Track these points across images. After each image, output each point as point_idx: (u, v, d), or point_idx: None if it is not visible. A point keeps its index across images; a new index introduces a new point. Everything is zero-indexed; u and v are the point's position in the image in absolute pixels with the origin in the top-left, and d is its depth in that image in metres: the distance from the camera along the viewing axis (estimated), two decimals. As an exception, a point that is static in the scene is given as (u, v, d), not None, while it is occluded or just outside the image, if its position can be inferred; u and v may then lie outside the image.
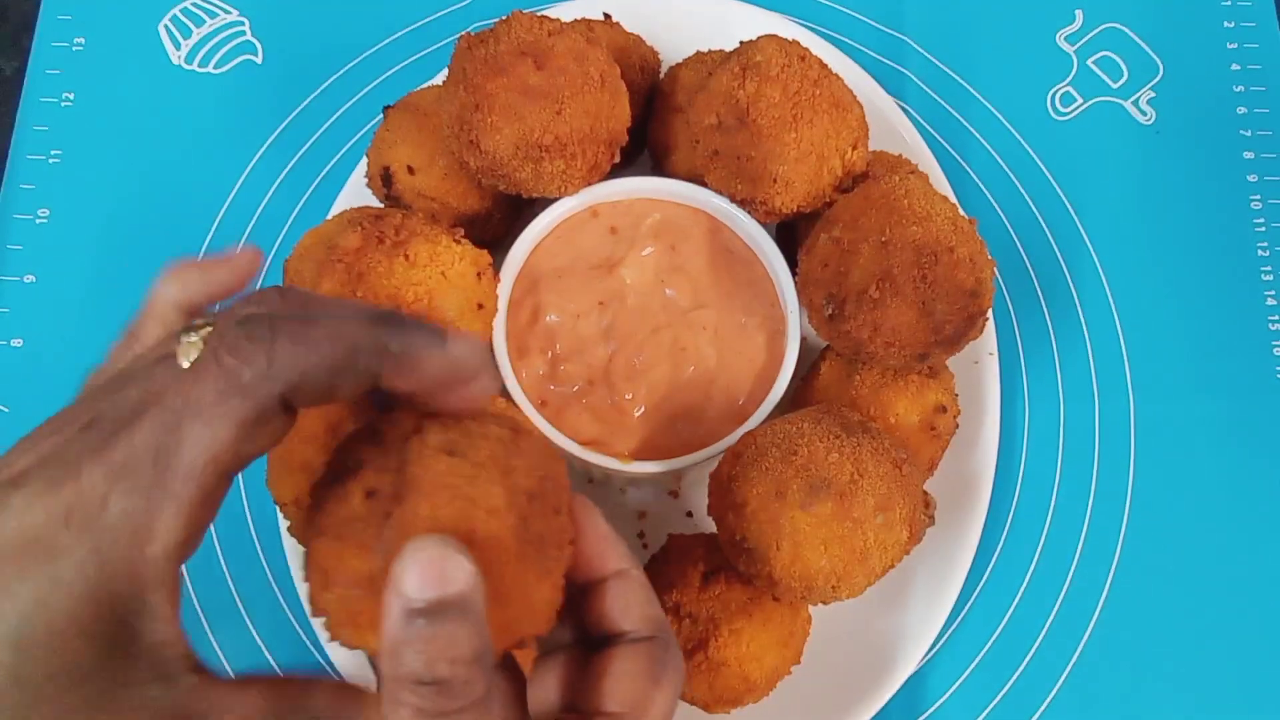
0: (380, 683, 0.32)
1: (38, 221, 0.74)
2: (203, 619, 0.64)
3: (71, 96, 0.77)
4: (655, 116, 0.68)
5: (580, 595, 0.37)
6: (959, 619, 0.65)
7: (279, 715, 0.32)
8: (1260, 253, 0.74)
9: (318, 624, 0.33)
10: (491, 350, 0.61)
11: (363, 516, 0.32)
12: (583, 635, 0.38)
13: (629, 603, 0.37)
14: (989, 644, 0.65)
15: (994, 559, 0.66)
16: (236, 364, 0.30)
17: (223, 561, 0.66)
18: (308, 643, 0.64)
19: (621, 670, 0.35)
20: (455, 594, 0.30)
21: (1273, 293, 0.73)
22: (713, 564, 0.56)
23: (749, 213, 0.64)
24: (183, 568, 0.31)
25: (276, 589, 0.65)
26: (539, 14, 0.59)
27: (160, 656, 0.31)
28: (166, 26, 0.79)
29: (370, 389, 0.33)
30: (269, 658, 0.64)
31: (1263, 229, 0.74)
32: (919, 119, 0.75)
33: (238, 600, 0.65)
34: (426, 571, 0.30)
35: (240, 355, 0.31)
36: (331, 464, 0.35)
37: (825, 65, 0.60)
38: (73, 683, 0.29)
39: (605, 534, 0.37)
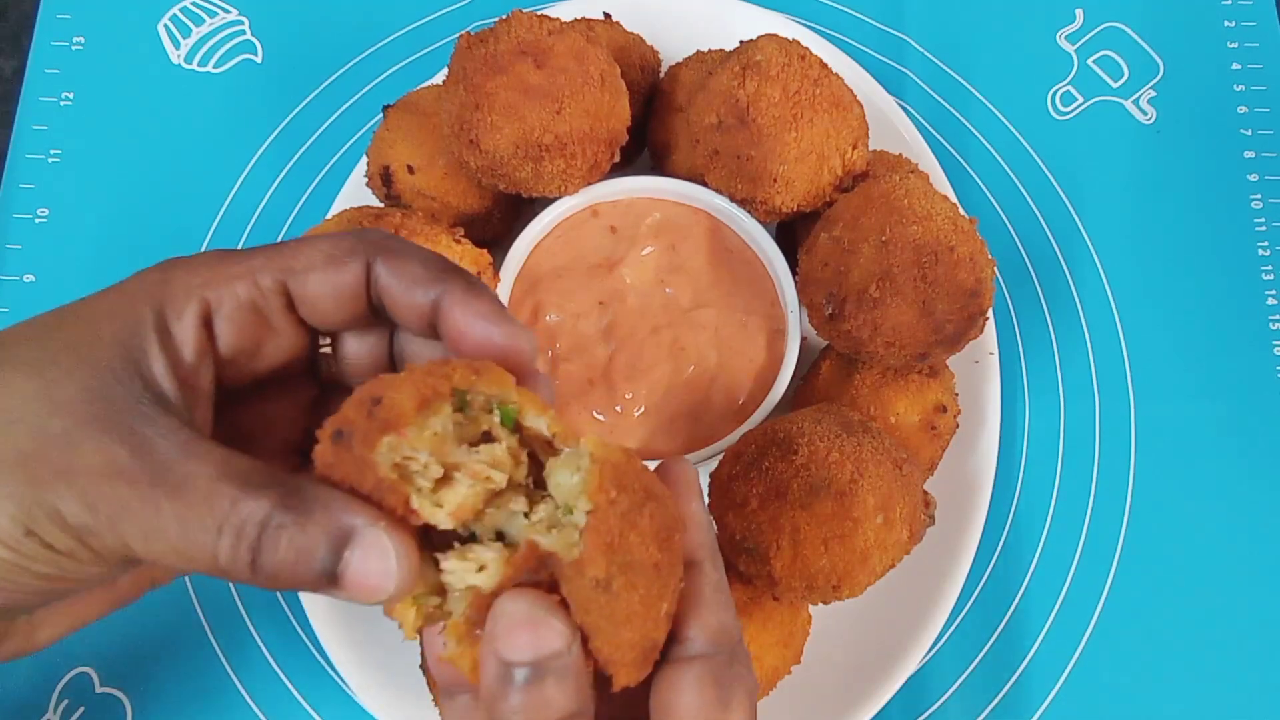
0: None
1: (37, 221, 0.73)
2: (205, 623, 0.64)
3: (71, 96, 0.77)
4: (655, 116, 0.68)
5: None
6: (959, 619, 0.65)
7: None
8: (1260, 252, 0.74)
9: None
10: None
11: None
12: None
13: (698, 604, 0.35)
14: (989, 644, 0.65)
15: (994, 559, 0.66)
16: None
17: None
18: (307, 642, 0.64)
19: (689, 703, 0.34)
20: (549, 654, 0.30)
21: (1273, 292, 0.73)
22: (713, 564, 0.56)
23: (749, 212, 0.64)
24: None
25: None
26: (539, 13, 0.59)
27: (162, 390, 0.34)
28: (166, 26, 0.79)
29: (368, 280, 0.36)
30: (269, 659, 0.64)
31: (1263, 228, 0.74)
32: (919, 118, 0.75)
33: (237, 599, 0.65)
34: (518, 635, 0.30)
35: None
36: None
37: (825, 65, 0.60)
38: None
39: (697, 520, 0.36)
